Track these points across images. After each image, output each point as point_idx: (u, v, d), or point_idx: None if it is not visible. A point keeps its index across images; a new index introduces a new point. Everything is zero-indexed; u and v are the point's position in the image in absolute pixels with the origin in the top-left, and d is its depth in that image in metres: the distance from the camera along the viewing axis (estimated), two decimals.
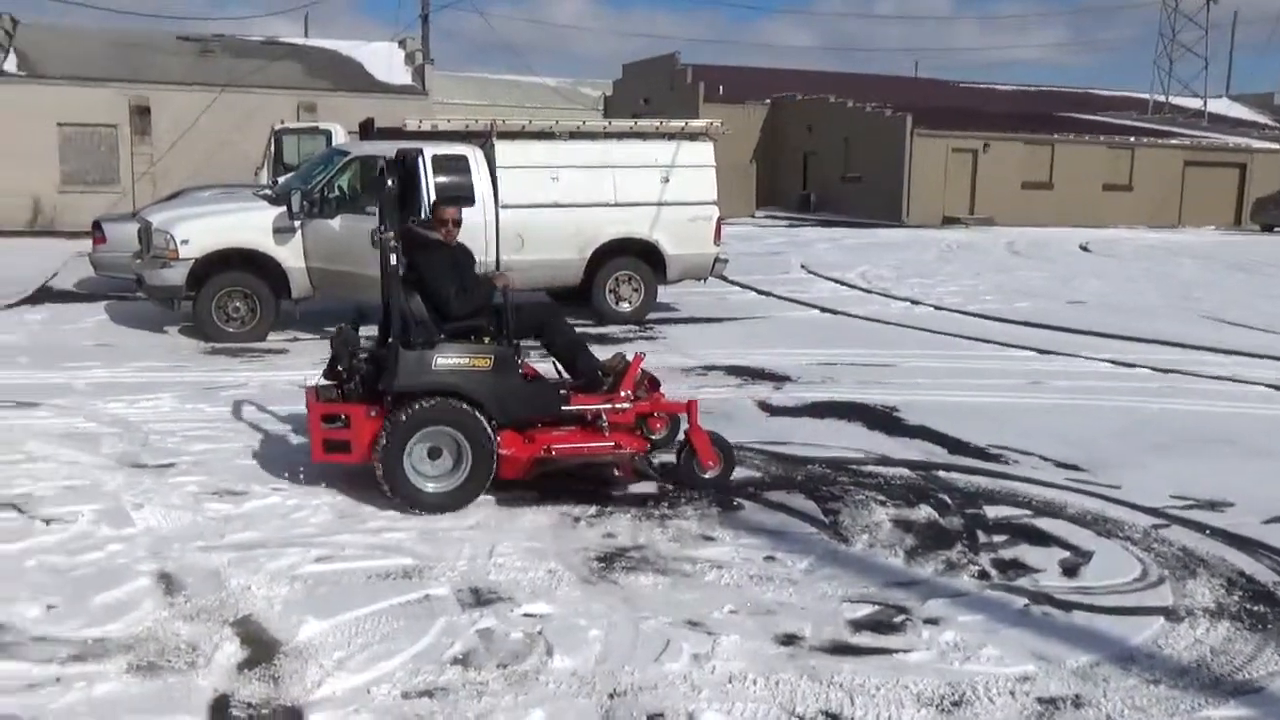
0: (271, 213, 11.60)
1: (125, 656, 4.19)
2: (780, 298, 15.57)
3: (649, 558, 5.34)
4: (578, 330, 7.20)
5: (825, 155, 40.46)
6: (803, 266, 20.16)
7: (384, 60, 31.41)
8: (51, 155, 26.53)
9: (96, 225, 14.71)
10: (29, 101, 26.08)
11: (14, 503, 5.94)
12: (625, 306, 13.05)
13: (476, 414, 6.05)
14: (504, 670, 4.14)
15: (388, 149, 11.79)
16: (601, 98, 51.47)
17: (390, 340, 6.12)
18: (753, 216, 35.52)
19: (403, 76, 30.98)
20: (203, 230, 11.43)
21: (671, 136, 13.27)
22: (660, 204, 12.91)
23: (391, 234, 6.07)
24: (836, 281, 17.77)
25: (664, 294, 13.65)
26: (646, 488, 6.48)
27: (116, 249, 13.84)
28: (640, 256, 13.01)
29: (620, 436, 6.42)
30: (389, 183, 6.12)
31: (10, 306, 13.62)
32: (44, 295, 14.85)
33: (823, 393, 9.24)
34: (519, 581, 4.99)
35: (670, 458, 6.66)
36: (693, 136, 13.37)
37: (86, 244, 15.51)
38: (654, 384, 6.88)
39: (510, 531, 5.69)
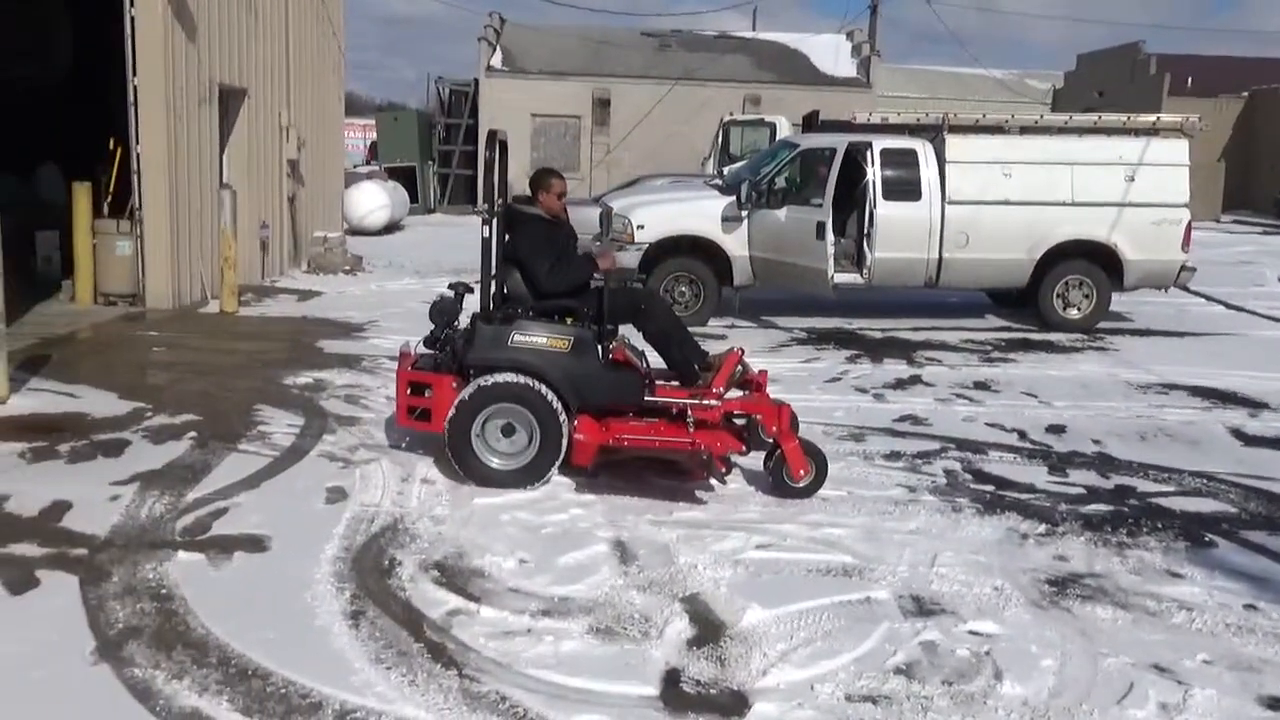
0: (721, 202, 12.02)
1: (587, 618, 4.48)
2: (1254, 314, 13.97)
3: (1106, 588, 4.95)
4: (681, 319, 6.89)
5: None
6: None
7: (830, 52, 31.57)
8: (525, 143, 29.13)
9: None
10: (510, 95, 28.82)
11: None
12: (1074, 313, 12.24)
13: (547, 394, 5.89)
14: (949, 688, 3.99)
15: (834, 142, 11.91)
16: (1050, 90, 48.76)
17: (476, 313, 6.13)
18: (1217, 221, 32.16)
19: (847, 69, 31.01)
20: (658, 217, 12.06)
21: (1140, 132, 12.28)
22: (1122, 204, 11.97)
23: (488, 207, 6.02)
24: None
25: (1116, 302, 12.67)
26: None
27: (578, 230, 14.87)
28: (1095, 260, 12.16)
29: (707, 435, 6.00)
30: (485, 156, 6.08)
31: None
32: None
33: None
34: (963, 595, 4.81)
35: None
36: (1160, 132, 12.30)
37: None
38: (759, 385, 6.42)
39: (952, 540, 5.50)
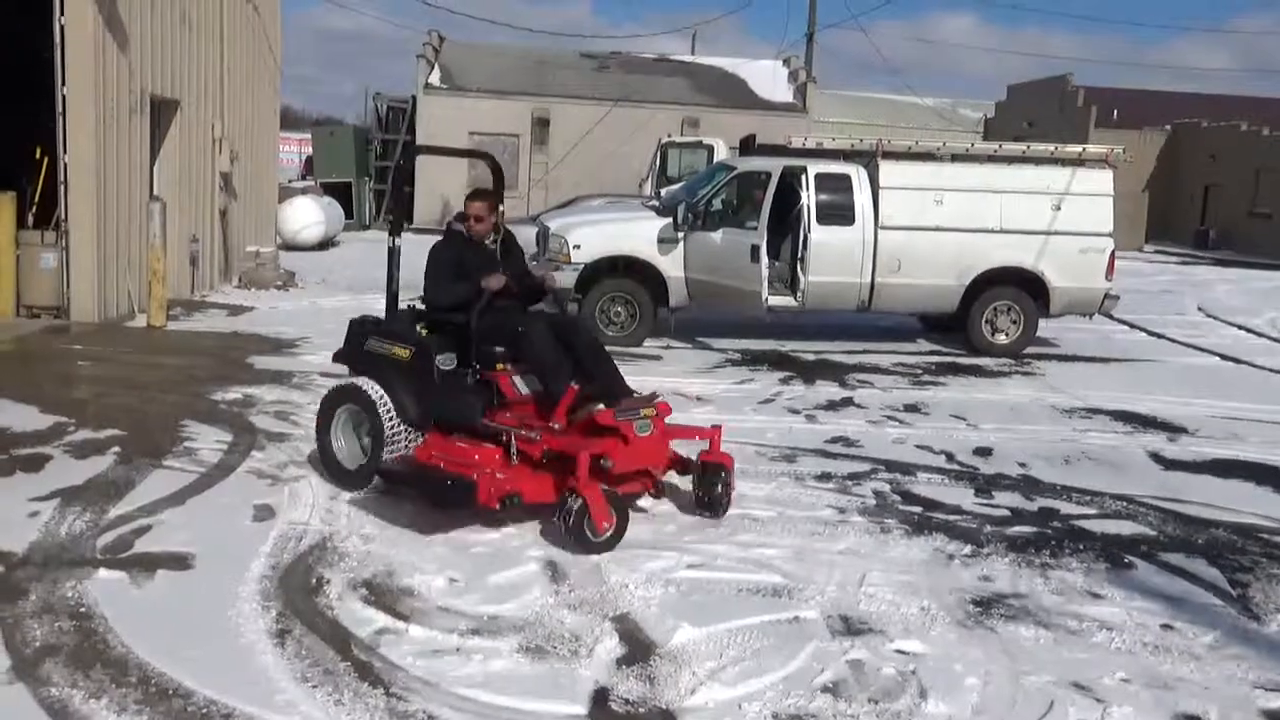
0: (658, 223, 12.08)
1: (516, 636, 4.46)
2: (1173, 341, 14.35)
3: (1029, 608, 5.04)
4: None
5: (1230, 188, 37.03)
6: (1199, 309, 18.50)
7: (767, 78, 31.98)
8: (462, 161, 29.03)
9: None
10: (448, 112, 28.72)
11: None
12: (1001, 338, 12.47)
13: (381, 400, 5.99)
14: (875, 706, 4.04)
15: (770, 165, 12.04)
16: (982, 119, 49.77)
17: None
18: (1140, 251, 33.03)
19: (784, 94, 31.41)
20: (594, 237, 12.09)
21: (1066, 162, 12.59)
22: (1049, 233, 12.25)
23: (393, 219, 6.38)
24: (1240, 328, 16.14)
25: (1043, 328, 12.94)
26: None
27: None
28: (1022, 287, 12.41)
29: (515, 471, 5.64)
30: (400, 167, 6.26)
31: None
32: None
33: (1226, 449, 8.40)
34: (890, 615, 4.86)
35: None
36: (1086, 163, 12.62)
37: None
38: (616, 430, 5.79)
39: (881, 560, 5.57)
